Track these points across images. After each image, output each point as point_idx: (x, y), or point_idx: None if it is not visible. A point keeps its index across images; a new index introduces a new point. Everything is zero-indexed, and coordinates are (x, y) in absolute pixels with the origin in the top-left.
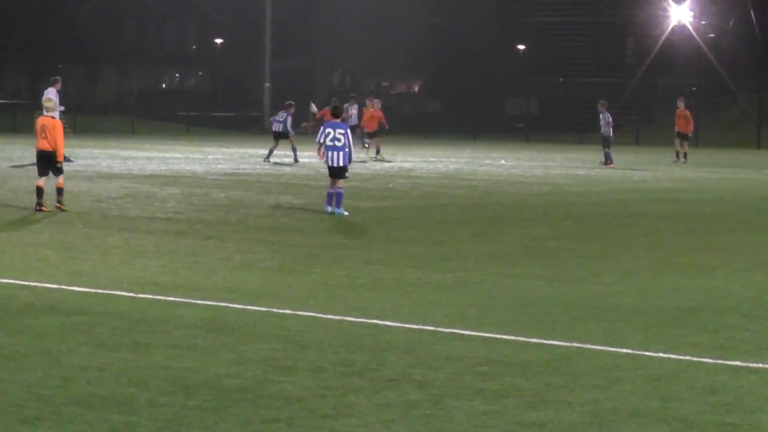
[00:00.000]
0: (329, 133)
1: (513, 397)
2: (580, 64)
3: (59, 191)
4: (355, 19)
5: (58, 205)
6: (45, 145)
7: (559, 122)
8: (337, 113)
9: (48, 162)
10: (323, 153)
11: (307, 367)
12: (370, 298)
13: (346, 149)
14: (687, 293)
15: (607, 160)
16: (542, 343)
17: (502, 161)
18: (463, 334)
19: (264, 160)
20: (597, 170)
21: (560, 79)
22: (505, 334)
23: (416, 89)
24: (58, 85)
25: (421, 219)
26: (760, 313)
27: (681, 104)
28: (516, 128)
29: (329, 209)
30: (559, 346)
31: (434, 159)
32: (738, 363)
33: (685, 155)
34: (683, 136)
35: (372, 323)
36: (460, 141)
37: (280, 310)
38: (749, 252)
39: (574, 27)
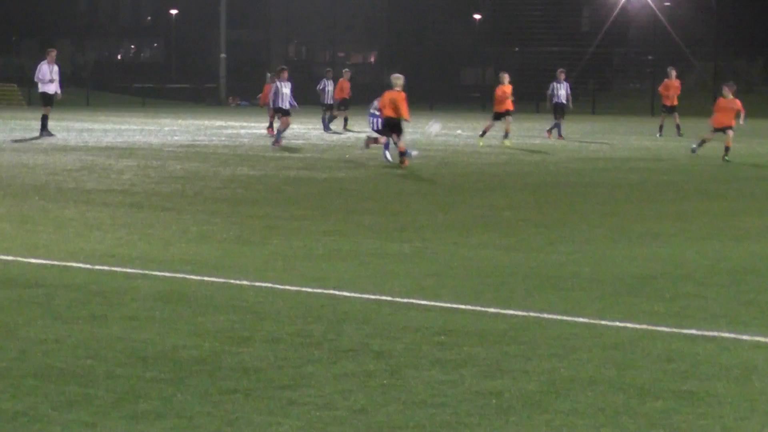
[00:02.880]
0: None
1: (470, 366)
2: (536, 34)
3: None
4: None
5: None
6: None
7: (515, 92)
8: None
9: None
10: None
11: (265, 338)
12: (328, 269)
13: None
14: (643, 261)
15: (558, 131)
16: (499, 313)
17: (459, 131)
18: (420, 304)
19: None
20: (553, 140)
21: (515, 49)
22: (463, 304)
23: (372, 60)
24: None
25: (378, 190)
26: (716, 281)
27: (673, 73)
28: (472, 98)
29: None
30: (516, 316)
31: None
32: (694, 331)
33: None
34: (671, 109)
35: (329, 294)
36: (416, 111)
37: (238, 282)
38: (705, 220)
39: None
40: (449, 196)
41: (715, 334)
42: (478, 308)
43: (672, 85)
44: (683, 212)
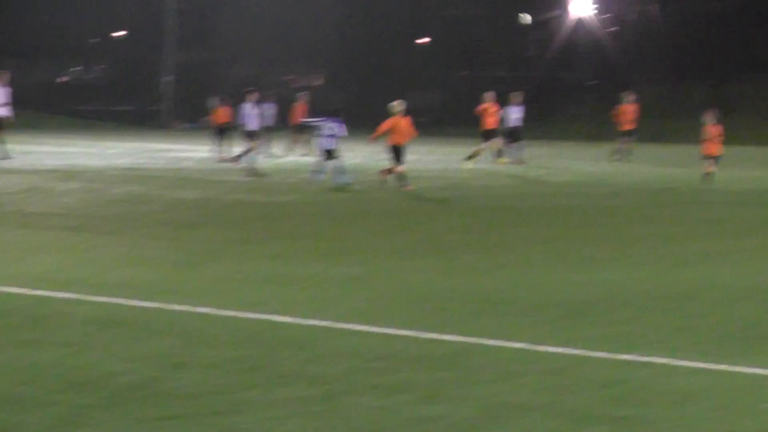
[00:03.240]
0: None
1: (407, 392)
2: (484, 58)
3: None
4: (259, 12)
5: None
6: None
7: (462, 116)
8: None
9: None
10: None
11: (202, 363)
12: (267, 294)
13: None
14: (582, 287)
15: (511, 154)
16: (438, 338)
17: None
18: (359, 330)
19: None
20: (495, 164)
21: (463, 72)
22: (401, 329)
23: (320, 83)
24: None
25: (321, 214)
26: (654, 307)
27: (630, 98)
28: (418, 122)
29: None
30: (455, 341)
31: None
32: (631, 357)
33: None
34: (628, 133)
35: (268, 319)
36: (362, 134)
37: (177, 307)
38: (644, 245)
39: (478, 20)
40: (391, 221)
41: (652, 359)
42: (417, 333)
43: (628, 110)
44: (623, 237)
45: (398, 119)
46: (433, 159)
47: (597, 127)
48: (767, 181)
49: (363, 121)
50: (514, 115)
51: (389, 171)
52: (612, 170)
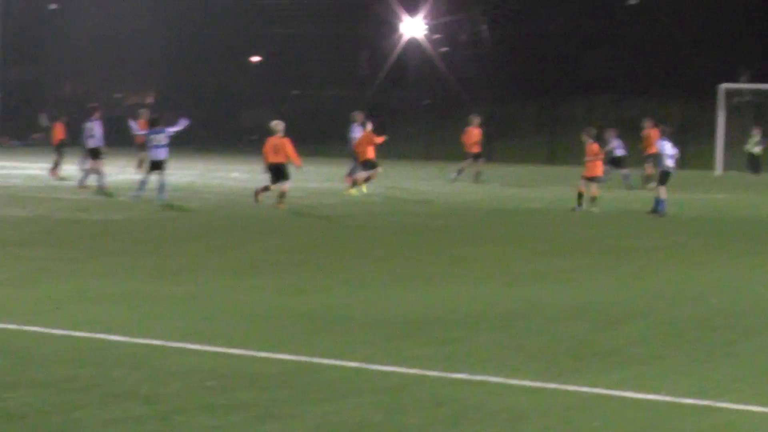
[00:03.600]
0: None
1: (241, 411)
2: (315, 77)
3: None
4: (88, 28)
5: None
6: None
7: (294, 134)
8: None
9: None
10: None
11: (31, 383)
12: (99, 312)
13: None
14: (415, 305)
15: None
16: (271, 357)
17: (235, 173)
18: (191, 349)
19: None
20: (330, 183)
21: (295, 92)
22: (235, 348)
23: (150, 100)
24: None
25: (152, 232)
26: (486, 326)
27: (475, 121)
28: (250, 140)
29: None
30: (288, 360)
31: (168, 171)
32: (463, 375)
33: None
34: (476, 156)
35: (99, 338)
36: (194, 153)
37: (5, 326)
38: (477, 264)
39: (309, 39)
40: (224, 239)
41: (485, 378)
42: (250, 352)
43: (474, 133)
44: (456, 256)
45: (278, 139)
46: (265, 178)
47: (430, 146)
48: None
49: (192, 138)
50: (358, 134)
51: (265, 189)
52: (447, 190)
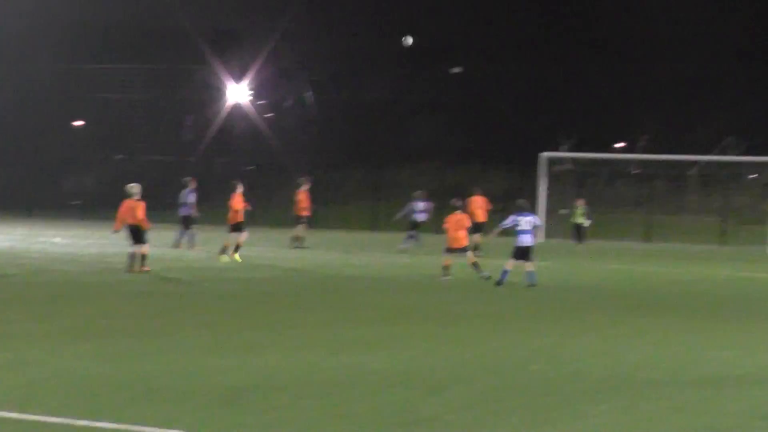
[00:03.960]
0: None
1: None
2: (140, 142)
3: None
4: None
5: None
6: None
7: (117, 199)
8: None
9: None
10: None
11: None
12: None
13: None
14: (238, 373)
15: (189, 240)
16: (91, 425)
17: (57, 239)
18: (10, 417)
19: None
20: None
21: (118, 156)
22: (54, 416)
23: None
24: None
25: None
26: (309, 393)
27: (305, 185)
28: (72, 205)
29: None
30: (108, 428)
31: None
32: None
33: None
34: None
35: None
36: (14, 217)
37: None
38: (300, 331)
39: (134, 103)
40: (44, 306)
41: None
42: (68, 420)
43: (303, 197)
44: (278, 323)
45: (134, 202)
46: (88, 243)
47: (255, 212)
48: (414, 268)
49: (12, 203)
50: (190, 200)
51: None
52: (271, 255)
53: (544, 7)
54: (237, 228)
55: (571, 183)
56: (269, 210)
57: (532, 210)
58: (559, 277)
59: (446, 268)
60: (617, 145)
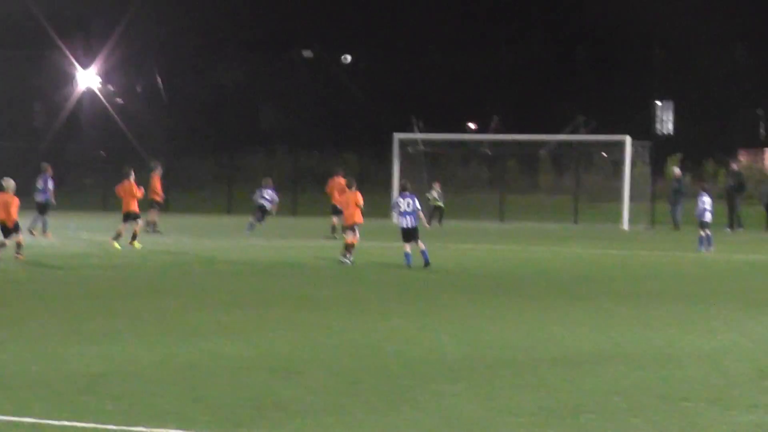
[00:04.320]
0: None
1: None
2: None
3: None
4: None
5: None
6: None
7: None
8: None
9: None
10: None
11: None
12: None
13: None
14: (94, 359)
15: (43, 227)
16: None
17: None
18: None
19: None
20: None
21: None
22: None
23: None
24: None
25: None
26: (165, 378)
27: (158, 170)
28: None
29: None
30: None
31: None
32: (142, 429)
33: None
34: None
35: None
36: None
37: None
38: (155, 317)
39: None
40: None
41: (164, 431)
42: None
43: (156, 181)
44: (134, 309)
45: (9, 197)
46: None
47: (107, 198)
48: (270, 251)
49: None
50: (49, 186)
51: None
52: (124, 241)
53: None
54: (134, 216)
55: (425, 164)
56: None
57: (413, 191)
58: (416, 259)
59: (349, 247)
60: (470, 126)
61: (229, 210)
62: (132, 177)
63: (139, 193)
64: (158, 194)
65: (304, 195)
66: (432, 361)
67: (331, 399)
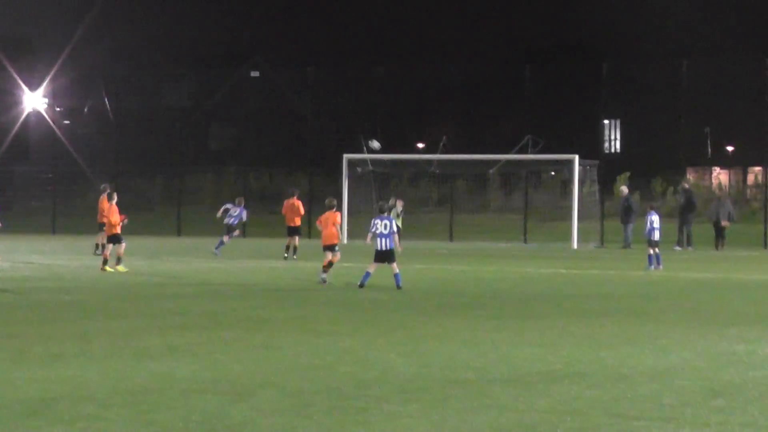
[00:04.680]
0: None
1: None
2: None
3: None
4: None
5: None
6: None
7: None
8: None
9: None
10: None
11: None
12: None
13: None
14: (44, 383)
15: None
16: None
17: None
18: None
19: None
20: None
21: None
22: None
23: None
24: None
25: None
26: (117, 402)
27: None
28: None
29: None
30: None
31: None
32: None
33: None
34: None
35: None
36: None
37: None
38: (106, 339)
39: None
40: None
41: None
42: None
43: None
44: (85, 332)
45: None
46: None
47: (55, 220)
48: (221, 273)
49: None
50: None
51: None
52: (75, 264)
53: (339, 11)
54: (116, 239)
55: (374, 184)
56: (71, 218)
57: (389, 213)
58: (382, 279)
59: (325, 267)
60: (418, 146)
61: (179, 231)
62: (114, 200)
63: (117, 217)
64: (107, 216)
65: (255, 216)
66: (384, 382)
67: (283, 421)
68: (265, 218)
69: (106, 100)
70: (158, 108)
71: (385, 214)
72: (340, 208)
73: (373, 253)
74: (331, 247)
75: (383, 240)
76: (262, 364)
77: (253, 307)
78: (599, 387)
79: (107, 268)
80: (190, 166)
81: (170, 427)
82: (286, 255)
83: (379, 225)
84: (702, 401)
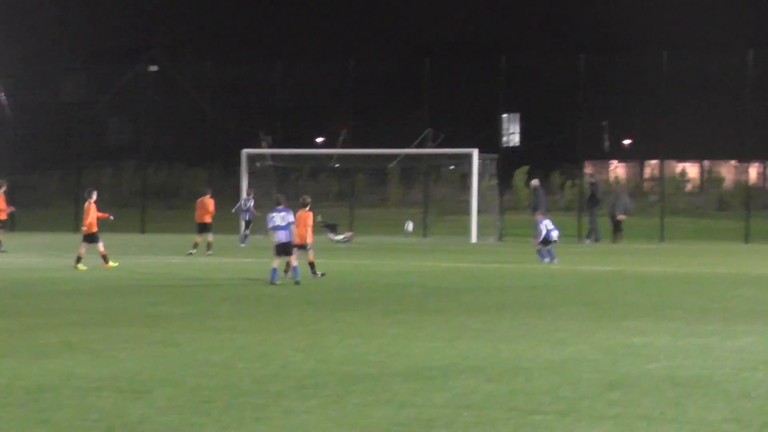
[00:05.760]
0: None
1: None
2: None
3: None
4: None
5: None
6: None
7: None
8: None
9: None
10: None
11: None
12: None
13: None
14: None
15: None
16: None
17: None
18: None
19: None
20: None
21: None
22: None
23: None
24: None
25: None
26: (12, 401)
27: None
28: None
29: None
30: None
31: None
32: None
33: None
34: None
35: None
36: None
37: None
38: (1, 337)
39: None
40: None
41: None
42: None
43: (1, 199)
44: None
45: None
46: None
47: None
48: (118, 270)
49: None
50: None
51: None
52: None
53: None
54: (93, 238)
55: (274, 179)
56: None
57: (288, 205)
58: (263, 274)
59: (312, 265)
60: (317, 140)
61: (76, 228)
62: (94, 197)
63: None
64: (2, 212)
65: (152, 211)
66: (283, 378)
67: (181, 418)
68: (165, 213)
69: (2, 95)
70: (55, 102)
71: (282, 207)
72: (238, 204)
73: (273, 247)
74: (302, 247)
75: (281, 232)
76: (160, 360)
77: (151, 304)
78: (497, 380)
79: (80, 266)
80: (87, 161)
81: (67, 426)
82: (191, 251)
83: (277, 217)
84: (599, 394)
